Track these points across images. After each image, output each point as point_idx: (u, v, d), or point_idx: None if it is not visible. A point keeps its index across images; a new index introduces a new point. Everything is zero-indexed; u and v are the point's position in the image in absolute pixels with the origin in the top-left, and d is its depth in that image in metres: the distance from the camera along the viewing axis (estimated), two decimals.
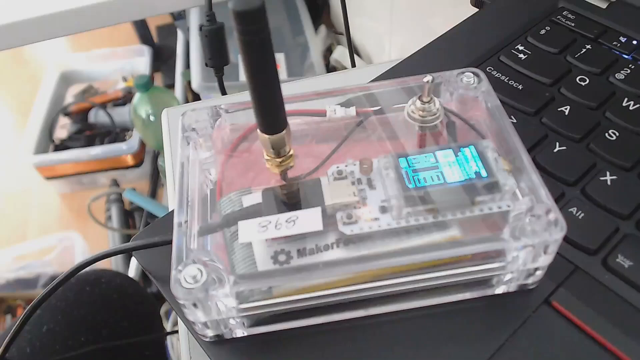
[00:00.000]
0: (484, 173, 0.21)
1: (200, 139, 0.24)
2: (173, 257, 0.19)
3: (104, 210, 1.14)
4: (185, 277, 0.19)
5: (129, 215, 1.14)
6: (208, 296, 0.19)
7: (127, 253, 0.23)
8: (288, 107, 0.20)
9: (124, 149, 1.18)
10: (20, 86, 1.53)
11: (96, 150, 1.18)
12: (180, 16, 1.31)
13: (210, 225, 0.22)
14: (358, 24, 1.04)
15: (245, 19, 0.16)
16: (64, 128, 1.29)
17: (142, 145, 1.22)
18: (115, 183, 1.21)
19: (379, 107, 0.25)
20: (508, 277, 0.21)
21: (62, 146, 1.24)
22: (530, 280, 0.22)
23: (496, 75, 0.31)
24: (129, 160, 1.21)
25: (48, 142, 1.25)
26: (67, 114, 1.30)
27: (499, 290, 0.22)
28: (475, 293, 0.22)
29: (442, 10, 0.70)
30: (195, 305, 0.19)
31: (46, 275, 1.05)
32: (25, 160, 1.19)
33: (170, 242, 0.21)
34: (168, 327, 0.83)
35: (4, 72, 1.60)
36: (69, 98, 1.37)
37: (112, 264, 1.04)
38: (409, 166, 0.21)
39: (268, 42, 0.17)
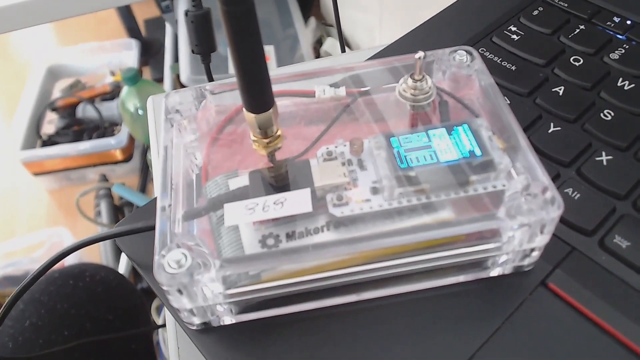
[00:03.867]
0: (478, 152, 0.20)
1: (184, 121, 0.23)
2: (156, 242, 0.19)
3: (93, 206, 1.13)
4: (169, 262, 0.18)
5: (118, 211, 1.13)
6: (193, 281, 0.18)
7: (111, 239, 0.22)
8: (275, 88, 0.19)
9: (113, 143, 1.16)
10: (7, 81, 1.50)
11: (84, 146, 1.16)
12: (168, 9, 1.29)
13: (196, 209, 0.21)
14: (348, 15, 1.03)
15: None
16: (51, 123, 1.27)
17: (131, 139, 1.20)
18: (104, 178, 1.19)
19: (370, 87, 0.24)
20: (503, 258, 0.21)
21: (49, 142, 1.22)
22: (526, 262, 0.21)
23: (489, 56, 0.31)
24: (118, 155, 1.19)
25: (35, 137, 1.23)
26: (54, 109, 1.28)
27: (494, 272, 0.21)
28: (469, 276, 0.21)
29: (433, 1, 0.69)
30: (180, 291, 0.18)
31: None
32: (12, 156, 1.17)
33: (153, 228, 0.20)
34: (160, 322, 0.82)
35: None
36: (57, 93, 1.34)
37: (101, 259, 1.03)
38: (401, 146, 0.21)
39: (252, 13, 0.16)
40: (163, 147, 0.22)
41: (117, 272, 0.57)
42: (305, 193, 0.20)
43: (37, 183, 1.24)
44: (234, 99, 0.24)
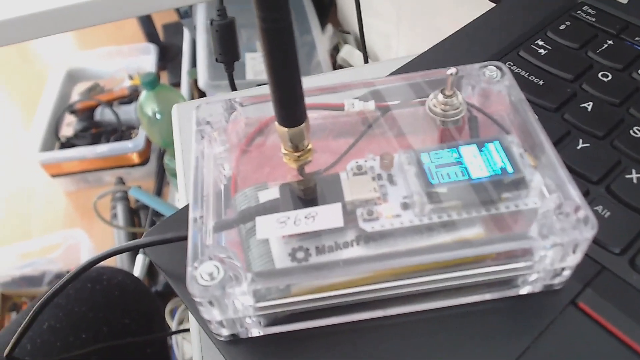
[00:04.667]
0: (510, 169, 0.20)
1: (214, 133, 0.23)
2: (189, 254, 0.19)
3: (109, 209, 1.14)
4: (201, 274, 0.18)
5: (134, 214, 1.14)
6: (225, 294, 0.18)
7: (140, 250, 0.22)
8: (305, 101, 0.19)
9: (130, 147, 1.17)
10: (27, 84, 1.53)
11: (102, 148, 1.18)
12: (186, 14, 1.31)
13: (226, 221, 0.21)
14: (365, 23, 1.03)
15: (267, 5, 0.15)
16: (70, 126, 1.29)
17: (148, 143, 1.21)
18: (121, 181, 1.20)
19: (398, 102, 0.25)
20: (534, 277, 0.20)
21: (68, 144, 1.24)
22: (556, 281, 0.21)
23: (516, 70, 0.31)
24: (135, 158, 1.21)
25: (54, 139, 1.25)
26: (73, 112, 1.30)
27: (524, 290, 0.21)
28: (498, 293, 0.21)
29: (450, 9, 0.69)
30: (211, 303, 0.18)
31: (51, 272, 1.05)
32: (31, 157, 1.19)
33: (183, 239, 0.20)
34: (173, 326, 0.83)
35: (10, 70, 1.60)
36: (75, 96, 1.36)
37: (117, 262, 1.03)
38: (431, 162, 0.21)
39: (289, 31, 0.16)
40: (194, 158, 0.23)
41: (133, 276, 0.58)
42: (336, 208, 0.20)
43: (54, 185, 1.25)
44: (263, 111, 0.24)
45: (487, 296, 0.21)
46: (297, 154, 0.20)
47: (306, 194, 0.21)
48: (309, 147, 0.21)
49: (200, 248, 0.19)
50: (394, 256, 0.19)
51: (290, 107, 0.19)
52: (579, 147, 0.26)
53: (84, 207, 1.22)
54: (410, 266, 0.19)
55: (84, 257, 1.03)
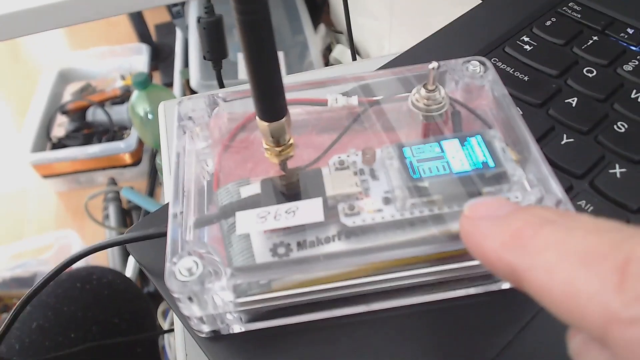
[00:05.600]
0: (491, 163, 0.20)
1: (196, 128, 0.23)
2: (167, 249, 0.19)
3: (101, 209, 1.13)
4: (180, 269, 0.18)
5: (126, 214, 1.13)
6: (204, 289, 0.18)
7: (122, 245, 0.22)
8: (288, 96, 0.19)
9: (122, 147, 1.17)
10: (18, 84, 1.52)
11: (94, 149, 1.17)
12: (179, 14, 1.30)
13: (207, 216, 0.21)
14: (358, 23, 1.03)
15: None
16: (61, 126, 1.28)
17: (140, 143, 1.21)
18: (113, 182, 1.20)
19: (382, 97, 0.24)
20: None
21: (59, 144, 1.23)
22: None
23: (501, 66, 0.31)
24: (127, 158, 1.20)
25: (45, 140, 1.24)
26: (64, 112, 1.29)
27: (506, 285, 0.21)
28: (481, 288, 0.21)
29: (443, 9, 0.69)
30: (190, 299, 0.18)
31: (43, 273, 1.04)
32: (22, 158, 1.18)
33: (164, 235, 0.20)
34: (165, 326, 0.82)
35: (1, 70, 1.59)
36: (67, 96, 1.35)
37: (109, 262, 1.03)
38: (413, 156, 0.21)
39: (267, 22, 0.16)
40: (175, 153, 0.22)
41: (124, 276, 0.57)
42: (317, 202, 0.20)
43: (46, 185, 1.25)
44: (246, 106, 0.24)
45: (471, 290, 0.21)
46: (278, 149, 0.20)
47: (288, 189, 0.21)
48: (291, 141, 0.21)
49: (180, 243, 0.19)
50: (375, 250, 0.19)
51: (270, 100, 0.19)
52: (563, 142, 0.26)
53: (75, 208, 1.21)
54: (392, 260, 0.19)
55: None
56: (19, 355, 0.44)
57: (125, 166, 1.22)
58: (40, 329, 0.46)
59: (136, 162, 1.22)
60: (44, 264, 1.05)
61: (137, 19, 1.44)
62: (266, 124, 0.19)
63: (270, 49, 0.17)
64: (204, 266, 0.18)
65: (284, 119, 0.19)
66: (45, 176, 1.22)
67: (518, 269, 0.14)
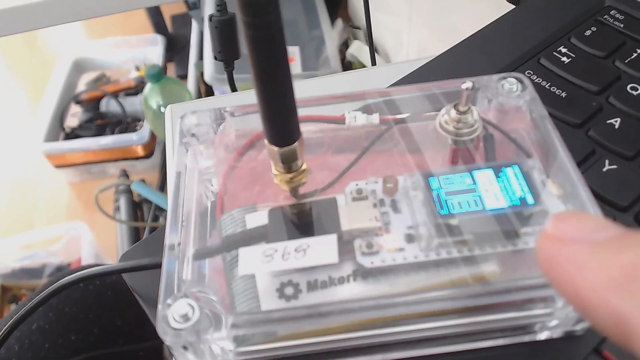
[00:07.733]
0: (530, 199, 0.18)
1: (200, 146, 0.21)
2: (161, 288, 0.17)
3: (112, 201, 1.12)
4: (173, 314, 0.16)
5: (137, 207, 1.12)
6: (200, 340, 0.16)
7: (115, 275, 0.20)
8: (301, 113, 0.17)
9: (135, 139, 1.15)
10: (33, 72, 1.51)
11: (106, 140, 1.16)
12: (195, 5, 1.28)
13: (208, 248, 0.19)
14: (376, 18, 1.00)
15: (253, 9, 0.13)
16: (75, 116, 1.27)
17: (153, 136, 1.19)
18: (125, 174, 1.18)
19: (406, 115, 0.22)
20: (554, 322, 0.18)
21: (72, 135, 1.23)
22: (579, 327, 0.18)
23: (536, 79, 0.28)
24: (139, 150, 1.19)
25: (59, 130, 1.23)
26: (78, 102, 1.28)
27: (542, 336, 0.19)
28: (513, 339, 0.19)
29: (464, 5, 0.66)
30: (185, 347, 0.16)
31: (52, 265, 1.04)
32: (35, 147, 1.17)
33: (159, 266, 0.18)
34: None
35: (17, 58, 1.58)
36: (81, 86, 1.34)
37: (114, 261, 1.02)
38: (441, 188, 0.18)
39: (281, 38, 0.14)
40: (175, 173, 0.20)
41: None
42: (331, 240, 0.17)
43: (58, 175, 1.24)
44: (256, 122, 0.22)
45: (500, 341, 0.19)
46: (289, 175, 0.18)
47: (299, 220, 0.19)
48: (303, 167, 0.18)
49: (176, 282, 0.17)
50: (396, 298, 0.16)
51: (281, 123, 0.16)
52: (605, 169, 0.24)
53: (87, 199, 1.21)
54: (414, 312, 0.17)
55: (85, 250, 1.02)
56: (18, 357, 0.43)
57: (137, 158, 1.21)
58: (41, 330, 0.45)
59: (148, 155, 1.21)
60: (53, 256, 1.05)
61: (153, 10, 1.42)
62: (276, 148, 0.17)
63: (284, 67, 0.15)
64: (201, 311, 0.16)
65: (296, 143, 0.17)
66: (57, 166, 1.22)
67: (630, 319, 0.10)
